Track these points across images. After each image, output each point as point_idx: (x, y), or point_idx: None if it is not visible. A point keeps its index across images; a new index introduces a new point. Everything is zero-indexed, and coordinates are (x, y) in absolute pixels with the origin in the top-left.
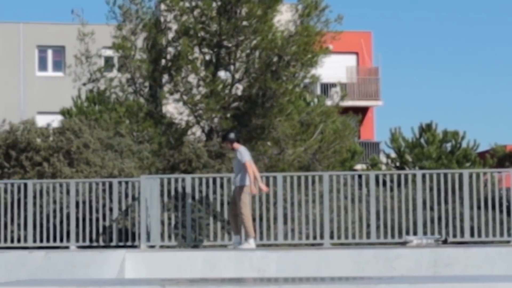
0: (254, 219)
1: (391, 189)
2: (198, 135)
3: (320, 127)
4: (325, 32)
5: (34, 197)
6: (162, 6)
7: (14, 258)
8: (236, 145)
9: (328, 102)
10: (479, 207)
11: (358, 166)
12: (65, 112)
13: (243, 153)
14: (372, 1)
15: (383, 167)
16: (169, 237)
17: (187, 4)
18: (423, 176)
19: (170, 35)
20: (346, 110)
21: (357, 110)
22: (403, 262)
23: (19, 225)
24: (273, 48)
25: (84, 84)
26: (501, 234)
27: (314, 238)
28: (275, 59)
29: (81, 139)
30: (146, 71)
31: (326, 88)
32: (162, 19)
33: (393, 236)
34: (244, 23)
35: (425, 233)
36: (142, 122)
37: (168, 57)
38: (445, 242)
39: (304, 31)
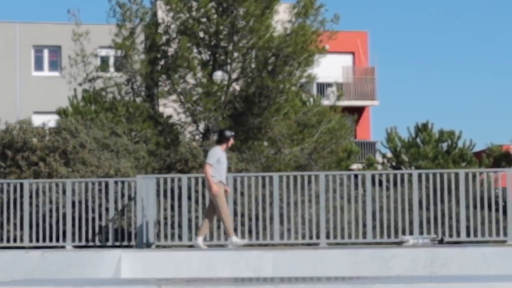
0: (250, 219)
1: (387, 189)
2: (195, 134)
3: (321, 128)
4: (321, 32)
5: (30, 197)
6: (161, 6)
7: (10, 258)
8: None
9: (325, 102)
10: (475, 207)
11: (354, 166)
12: (61, 112)
13: None
14: (368, 1)
15: (379, 167)
16: (165, 236)
17: (186, 5)
18: (419, 176)
19: (169, 35)
20: (342, 110)
21: (353, 110)
22: (399, 262)
23: (15, 225)
24: (270, 47)
25: (80, 84)
26: (497, 234)
27: (310, 238)
28: (272, 58)
29: (77, 138)
30: (144, 71)
31: (322, 88)
32: (160, 19)
33: (389, 236)
34: (242, 22)
35: (421, 232)
36: (140, 122)
37: (166, 57)
38: (441, 242)
39: (300, 30)
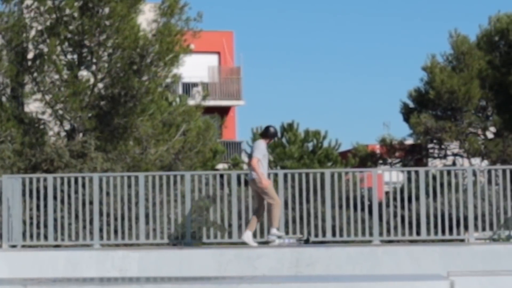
0: (116, 219)
1: None
2: (60, 134)
3: (182, 128)
4: (186, 31)
5: None
6: (25, 5)
7: None
8: None
9: (190, 102)
10: (340, 207)
11: (220, 166)
12: None
13: None
14: (234, 1)
15: (245, 166)
16: (31, 236)
17: (50, 3)
18: (285, 175)
19: (33, 34)
20: (208, 110)
21: (219, 110)
22: (264, 262)
23: None
24: (135, 47)
25: None
26: (363, 234)
27: (176, 237)
28: (138, 58)
29: None
30: (8, 71)
31: (188, 87)
32: (25, 18)
33: (255, 236)
34: (107, 22)
35: (286, 232)
36: (4, 122)
37: (31, 56)
38: (307, 241)
39: (166, 30)
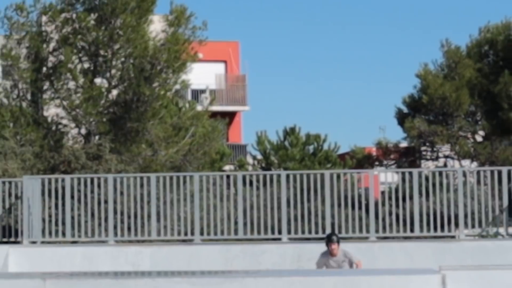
0: (129, 217)
1: (257, 189)
2: (77, 137)
3: (191, 130)
4: (192, 40)
5: None
6: (44, 18)
7: None
8: None
9: (199, 107)
10: (339, 206)
11: (227, 167)
12: None
13: None
14: (240, 12)
15: (250, 168)
16: (50, 233)
17: (67, 16)
18: (287, 176)
19: (52, 45)
20: (215, 115)
21: (225, 115)
22: (268, 257)
23: None
24: (146, 56)
25: None
26: (360, 231)
27: (185, 234)
28: (148, 66)
29: None
30: (29, 79)
31: (196, 94)
32: (44, 29)
33: (259, 232)
34: (120, 32)
35: (288, 231)
36: (25, 126)
37: (50, 65)
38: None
39: (174, 39)
